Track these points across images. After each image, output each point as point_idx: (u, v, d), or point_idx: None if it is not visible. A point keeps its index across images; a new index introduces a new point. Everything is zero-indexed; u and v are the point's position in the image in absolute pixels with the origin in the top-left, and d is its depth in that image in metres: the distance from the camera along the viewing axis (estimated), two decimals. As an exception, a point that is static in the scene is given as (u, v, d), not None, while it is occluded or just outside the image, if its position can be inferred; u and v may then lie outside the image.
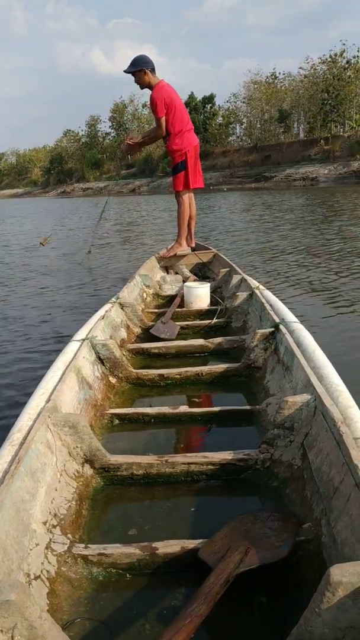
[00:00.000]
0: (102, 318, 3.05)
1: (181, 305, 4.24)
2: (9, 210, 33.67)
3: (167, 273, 5.53)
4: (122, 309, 3.55)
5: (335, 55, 47.28)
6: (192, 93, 56.93)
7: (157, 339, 3.41)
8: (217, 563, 1.33)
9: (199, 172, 5.38)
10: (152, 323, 3.70)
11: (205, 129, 53.57)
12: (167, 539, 1.49)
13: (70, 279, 7.32)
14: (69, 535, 1.55)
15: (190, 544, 1.45)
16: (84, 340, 2.64)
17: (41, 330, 4.74)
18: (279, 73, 58.20)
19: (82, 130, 78.49)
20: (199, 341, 3.18)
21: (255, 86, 55.89)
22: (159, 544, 1.46)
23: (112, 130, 71.54)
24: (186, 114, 5.24)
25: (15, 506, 1.37)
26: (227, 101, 60.99)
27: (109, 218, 18.41)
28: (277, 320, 2.73)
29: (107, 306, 3.33)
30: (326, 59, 48.12)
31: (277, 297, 3.28)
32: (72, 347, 2.53)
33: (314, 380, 1.88)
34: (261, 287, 3.54)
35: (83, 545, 1.50)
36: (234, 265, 4.58)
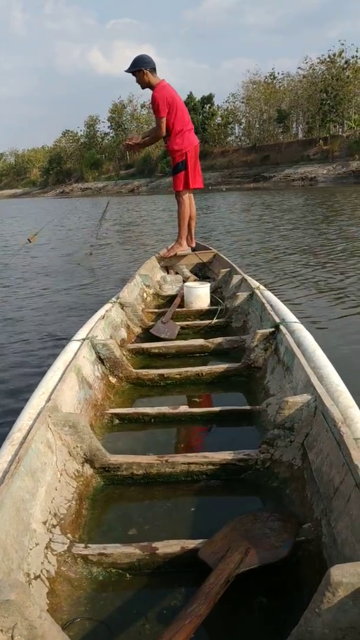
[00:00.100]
0: (103, 318, 3.05)
1: (181, 305, 4.24)
2: (8, 211, 33.66)
3: (168, 273, 5.53)
4: (122, 308, 3.55)
5: (334, 55, 47.42)
6: (190, 93, 57.01)
7: (157, 338, 3.41)
8: (217, 563, 1.33)
9: (198, 172, 5.38)
10: (152, 323, 3.69)
11: (204, 129, 53.60)
12: (167, 539, 1.48)
13: (70, 279, 7.33)
14: (69, 535, 1.55)
15: (190, 544, 1.45)
16: (84, 340, 2.63)
17: (41, 330, 4.75)
18: (278, 73, 58.49)
19: (81, 131, 78.72)
20: (199, 341, 3.18)
21: (254, 86, 56.00)
22: (159, 544, 1.46)
23: (111, 131, 71.65)
24: (187, 114, 5.23)
25: (15, 506, 1.37)
26: (226, 101, 61.22)
27: (109, 218, 18.37)
28: (278, 320, 2.73)
29: (107, 306, 3.33)
30: (325, 59, 48.30)
31: (277, 297, 3.28)
32: (72, 347, 2.53)
33: (314, 380, 1.88)
34: (261, 287, 3.54)
35: (83, 545, 1.50)
36: (234, 265, 4.58)
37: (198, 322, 3.84)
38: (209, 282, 4.71)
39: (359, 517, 1.24)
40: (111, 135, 72.02)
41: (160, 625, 1.27)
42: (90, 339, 2.67)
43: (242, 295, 3.60)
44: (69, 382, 2.14)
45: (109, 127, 72.21)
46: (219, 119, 59.24)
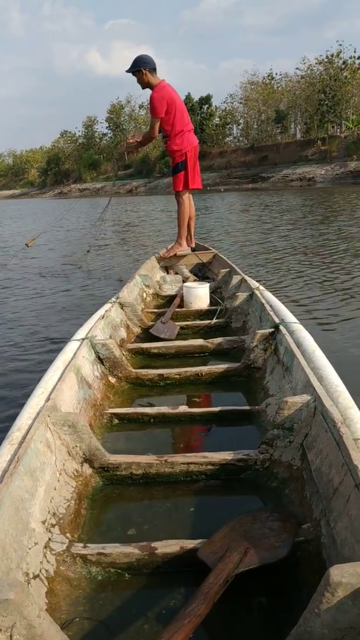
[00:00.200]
0: (102, 318, 3.05)
1: (181, 305, 4.24)
2: (6, 212, 33.63)
3: (167, 273, 5.53)
4: (121, 308, 3.55)
5: (332, 55, 47.51)
6: (189, 94, 57.06)
7: (157, 339, 3.41)
8: (216, 563, 1.33)
9: (197, 172, 5.38)
10: (152, 323, 3.69)
11: (202, 130, 53.65)
12: (166, 539, 1.48)
13: (69, 280, 7.33)
14: (68, 535, 1.54)
15: (190, 544, 1.45)
16: (83, 339, 2.63)
17: (40, 330, 4.75)
18: (276, 74, 58.53)
19: (79, 131, 78.80)
20: (199, 341, 3.18)
21: (252, 87, 56.12)
22: (158, 543, 1.46)
23: (109, 131, 71.64)
24: (186, 115, 5.23)
25: (15, 505, 1.37)
26: (224, 102, 61.30)
27: (107, 219, 18.35)
28: (277, 320, 2.73)
29: (106, 306, 3.33)
30: (323, 59, 48.35)
31: (277, 297, 3.28)
32: (71, 347, 2.53)
33: (313, 380, 1.88)
34: (261, 287, 3.54)
35: (82, 544, 1.50)
36: (233, 265, 4.58)
37: (198, 322, 3.84)
38: (208, 282, 4.71)
39: (358, 518, 1.24)
40: (109, 135, 72.05)
41: (159, 625, 1.26)
42: (90, 339, 2.67)
43: (242, 296, 3.60)
44: (69, 382, 2.14)
45: (107, 127, 72.38)
46: (217, 119, 59.33)
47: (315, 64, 49.32)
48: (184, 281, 5.02)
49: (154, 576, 1.44)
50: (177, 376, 2.75)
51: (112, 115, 69.92)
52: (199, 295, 4.17)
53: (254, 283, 3.71)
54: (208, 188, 38.34)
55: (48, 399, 1.92)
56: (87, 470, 1.87)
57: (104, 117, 75.81)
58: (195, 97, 58.22)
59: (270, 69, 76.02)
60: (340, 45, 57.59)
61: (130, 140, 5.54)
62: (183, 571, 1.44)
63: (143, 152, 49.97)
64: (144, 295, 4.52)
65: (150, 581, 1.42)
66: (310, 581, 1.26)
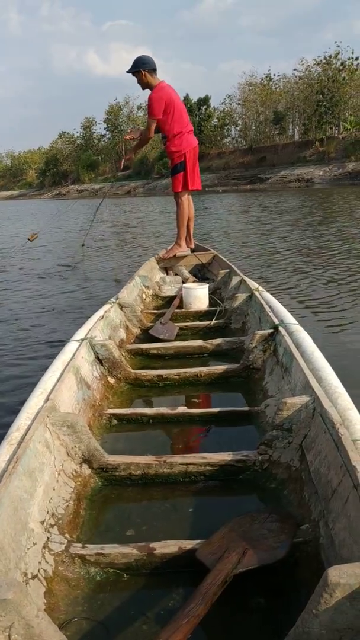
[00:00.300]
0: (101, 318, 3.05)
1: (180, 306, 4.24)
2: (5, 213, 33.61)
3: (167, 274, 5.54)
4: (121, 309, 3.55)
5: (330, 57, 47.49)
6: (187, 95, 56.97)
7: (156, 339, 3.41)
8: (215, 564, 1.33)
9: (197, 173, 5.38)
10: (151, 324, 3.69)
11: (201, 131, 53.62)
12: (165, 540, 1.49)
13: (68, 280, 7.33)
14: (67, 535, 1.55)
15: (188, 544, 1.45)
16: (82, 340, 2.63)
17: (39, 331, 4.74)
18: (274, 75, 58.59)
19: (77, 132, 78.73)
20: (198, 342, 3.19)
21: (250, 88, 56.13)
22: (156, 544, 1.46)
23: (107, 132, 71.56)
24: (186, 116, 5.24)
25: (13, 505, 1.37)
26: (222, 103, 61.22)
27: (105, 220, 18.39)
28: (276, 321, 2.74)
29: (106, 306, 3.33)
30: (321, 60, 48.35)
31: (276, 298, 3.28)
32: (71, 347, 2.53)
33: (312, 381, 1.88)
34: (260, 288, 3.55)
35: (80, 545, 1.50)
36: (233, 266, 4.58)
37: (197, 323, 3.84)
38: (208, 283, 4.71)
39: (356, 519, 1.24)
40: (107, 137, 71.99)
41: (157, 626, 1.27)
42: (89, 340, 2.67)
43: (241, 297, 3.60)
44: (68, 383, 2.14)
45: (105, 128, 72.18)
46: (216, 120, 59.33)
47: (313, 65, 49.37)
48: (183, 282, 5.02)
49: (152, 577, 1.44)
50: (177, 377, 2.75)
51: (110, 117, 69.83)
52: (198, 296, 4.17)
53: (253, 284, 3.71)
54: (206, 189, 38.30)
55: (47, 400, 1.92)
56: (86, 470, 1.87)
57: (102, 118, 75.96)
58: (194, 98, 58.20)
59: (268, 70, 76.34)
60: (339, 46, 57.67)
61: (128, 137, 5.56)
62: (181, 572, 1.44)
63: (142, 153, 49.96)
64: (144, 296, 4.52)
65: (149, 582, 1.43)
66: (309, 582, 1.26)
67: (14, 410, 2.19)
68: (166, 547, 1.45)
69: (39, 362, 3.71)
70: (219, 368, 2.78)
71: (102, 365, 2.72)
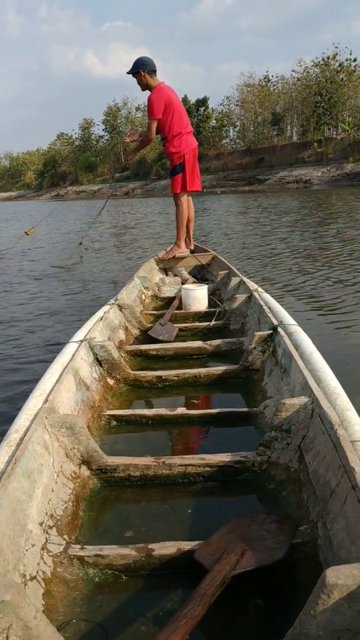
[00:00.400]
0: (101, 319, 3.05)
1: (180, 307, 4.24)
2: (3, 214, 33.60)
3: (166, 275, 5.55)
4: (120, 310, 3.55)
5: (328, 58, 47.58)
6: (185, 96, 57.11)
7: (156, 340, 3.41)
8: (213, 565, 1.33)
9: (197, 175, 5.39)
10: (151, 325, 3.69)
11: (199, 132, 53.67)
12: (164, 541, 1.49)
13: (67, 282, 7.33)
14: (65, 536, 1.54)
15: (187, 545, 1.45)
16: (82, 341, 2.63)
17: (38, 332, 4.74)
18: (272, 76, 58.43)
19: (75, 133, 78.84)
20: (197, 343, 3.19)
21: (249, 89, 56.23)
22: (155, 545, 1.46)
23: (106, 133, 71.58)
24: (185, 117, 5.24)
25: (12, 507, 1.37)
26: (221, 104, 61.52)
27: (104, 221, 18.37)
28: (276, 322, 2.74)
29: (105, 307, 3.33)
30: (319, 61, 48.43)
31: (275, 299, 3.28)
32: (70, 349, 2.53)
33: (311, 382, 1.88)
34: (260, 289, 3.55)
35: (79, 546, 1.50)
36: (232, 267, 4.58)
37: (196, 324, 3.84)
38: (207, 284, 4.71)
39: (354, 520, 1.24)
40: (106, 138, 72.01)
41: (156, 627, 1.27)
42: (88, 341, 2.67)
43: (241, 298, 3.60)
44: (67, 384, 2.14)
45: (103, 129, 72.22)
46: (214, 121, 59.44)
47: (312, 66, 49.48)
48: (182, 283, 5.02)
49: (151, 578, 1.44)
50: (176, 378, 2.75)
51: (108, 118, 69.84)
52: (198, 297, 4.17)
53: (252, 285, 3.72)
54: (204, 190, 38.30)
55: (46, 401, 1.92)
56: (85, 472, 1.87)
57: (100, 119, 75.94)
58: (192, 100, 58.33)
59: (267, 71, 76.52)
60: (337, 47, 57.71)
61: (127, 140, 5.57)
62: (180, 573, 1.44)
63: (140, 155, 49.95)
64: (143, 297, 4.52)
65: (147, 583, 1.43)
66: (307, 583, 1.26)
67: (13, 412, 2.19)
68: (165, 548, 1.45)
69: (38, 364, 3.71)
70: (218, 369, 2.78)
71: (101, 366, 2.71)
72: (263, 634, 1.26)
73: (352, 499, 1.28)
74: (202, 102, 58.95)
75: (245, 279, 3.95)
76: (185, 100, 56.47)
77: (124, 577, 1.44)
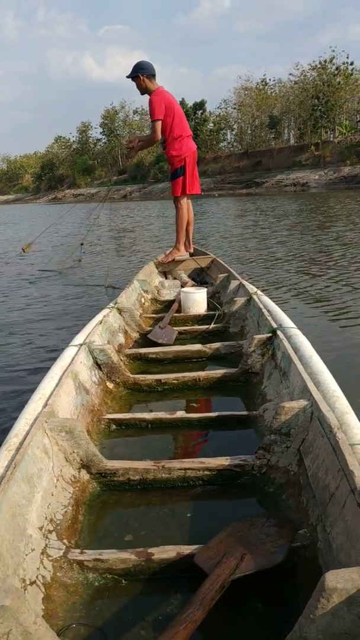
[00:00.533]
0: (100, 323, 3.05)
1: (179, 310, 4.25)
2: (1, 217, 33.57)
3: (166, 278, 5.56)
4: (120, 314, 3.55)
5: (325, 61, 47.72)
6: (183, 99, 57.14)
7: (155, 344, 3.41)
8: (213, 569, 1.33)
9: (196, 178, 5.42)
10: (150, 328, 3.70)
11: (197, 135, 53.64)
12: (163, 545, 1.49)
13: (65, 285, 7.32)
14: (65, 541, 1.54)
15: (186, 549, 1.45)
16: (81, 345, 2.63)
17: (38, 336, 4.75)
18: (270, 79, 58.81)
19: (73, 137, 78.94)
20: (197, 346, 3.19)
21: (246, 92, 56.36)
22: (154, 549, 1.46)
23: (104, 137, 71.64)
24: (185, 121, 5.28)
25: (11, 511, 1.37)
26: (218, 107, 61.77)
27: (102, 224, 18.38)
28: (275, 325, 2.74)
29: (105, 311, 3.33)
30: (316, 65, 48.60)
31: (274, 302, 3.28)
32: (69, 352, 2.53)
33: (310, 386, 1.88)
34: (259, 292, 3.55)
35: (79, 550, 1.50)
36: (232, 270, 4.59)
37: (196, 327, 3.84)
38: (206, 287, 4.72)
39: (354, 523, 1.25)
40: (103, 141, 72.07)
41: (155, 631, 1.27)
42: (88, 344, 2.67)
43: (240, 301, 3.61)
44: (66, 388, 2.14)
45: (101, 133, 72.24)
46: (211, 125, 59.56)
47: (309, 69, 49.65)
48: (182, 286, 5.02)
49: (150, 582, 1.44)
50: (175, 381, 2.75)
51: (106, 121, 69.92)
52: (197, 300, 4.18)
53: (252, 288, 3.72)
54: (202, 193, 38.34)
55: (45, 405, 1.92)
56: (85, 476, 1.87)
57: (98, 122, 76.02)
58: (190, 103, 58.41)
59: (264, 75, 76.53)
60: (334, 51, 57.63)
61: (127, 146, 5.60)
62: (180, 577, 1.44)
63: (137, 158, 50.00)
64: (142, 300, 4.52)
65: (147, 587, 1.42)
66: (307, 587, 1.26)
67: (13, 416, 2.19)
68: (164, 553, 1.45)
69: (38, 367, 3.71)
70: (218, 372, 2.78)
71: (100, 370, 2.71)
72: (263, 637, 1.26)
73: (352, 502, 1.28)
74: (200, 105, 59.06)
75: (244, 282, 3.96)
76: (183, 103, 56.51)
77: (123, 581, 1.43)
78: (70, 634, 1.27)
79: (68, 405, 2.10)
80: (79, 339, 2.73)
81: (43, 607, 1.30)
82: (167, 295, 4.97)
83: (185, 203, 5.40)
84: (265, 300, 3.29)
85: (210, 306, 4.24)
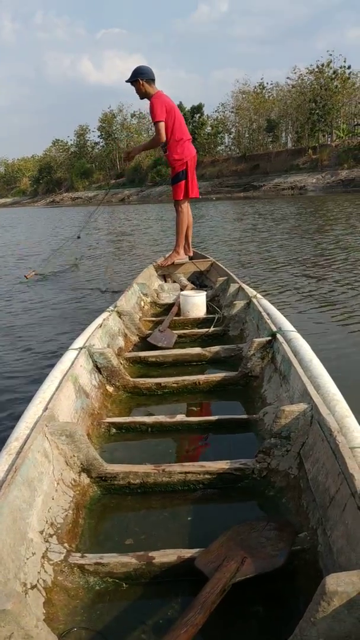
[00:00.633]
0: (100, 326, 3.06)
1: (179, 313, 4.25)
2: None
3: (165, 281, 5.56)
4: (119, 317, 3.55)
5: (322, 65, 47.75)
6: (180, 103, 57.11)
7: (155, 347, 3.41)
8: (214, 572, 1.33)
9: (195, 182, 5.46)
10: (150, 331, 3.70)
11: (194, 139, 53.01)
12: (164, 549, 1.49)
13: (64, 289, 7.32)
14: (66, 545, 1.54)
15: (187, 553, 1.46)
16: (81, 348, 2.64)
17: (37, 339, 4.74)
18: (267, 83, 58.48)
19: (70, 140, 78.78)
20: (196, 350, 3.19)
21: (244, 96, 56.38)
22: (155, 553, 1.46)
23: (101, 140, 71.62)
24: (185, 125, 5.32)
25: (12, 515, 1.37)
26: (216, 111, 61.53)
27: (101, 227, 18.38)
28: (274, 329, 2.74)
29: (104, 314, 3.33)
30: (313, 69, 48.61)
31: (274, 306, 3.29)
32: (69, 356, 2.53)
33: (310, 389, 1.89)
34: (258, 295, 3.56)
35: (79, 554, 1.50)
36: (231, 273, 4.59)
37: (195, 330, 3.84)
38: (206, 290, 4.72)
39: (354, 526, 1.25)
40: (101, 144, 72.04)
41: (156, 635, 1.27)
42: (88, 348, 2.67)
43: (239, 304, 3.61)
44: (66, 391, 2.14)
45: (99, 136, 72.11)
46: (209, 128, 59.55)
47: (306, 73, 49.62)
48: (181, 289, 5.03)
49: (151, 586, 1.44)
50: (175, 385, 2.75)
51: (104, 124, 69.84)
52: (196, 303, 4.18)
53: (251, 291, 3.72)
54: (200, 197, 38.36)
55: (46, 409, 1.92)
56: (85, 479, 1.87)
57: (96, 125, 75.94)
58: (187, 106, 58.41)
59: (262, 79, 75.89)
60: (331, 55, 58.00)
61: (125, 157, 5.67)
62: (180, 580, 1.44)
63: (135, 161, 50.03)
64: (142, 303, 4.53)
65: (148, 591, 1.43)
66: (307, 590, 1.26)
67: (13, 420, 2.19)
68: (165, 556, 1.45)
69: (39, 370, 3.71)
70: (218, 376, 2.78)
71: (100, 373, 2.71)
72: (264, 641, 1.26)
73: (352, 505, 1.28)
74: (197, 108, 59.06)
75: (244, 286, 3.96)
76: (180, 106, 56.52)
77: (124, 585, 1.44)
78: (72, 638, 1.27)
79: (68, 409, 2.10)
80: (79, 342, 2.73)
81: (44, 611, 1.30)
82: (167, 298, 4.97)
83: (186, 207, 5.44)
84: (264, 304, 3.30)
85: (209, 309, 4.24)
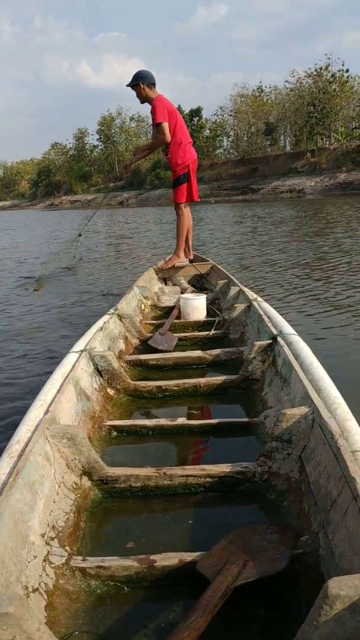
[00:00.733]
0: (101, 329, 3.06)
1: (179, 316, 4.25)
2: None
3: (165, 284, 5.57)
4: (120, 320, 3.55)
5: (321, 69, 47.94)
6: (179, 106, 57.21)
7: (155, 350, 3.41)
8: (215, 576, 1.33)
9: (195, 185, 5.48)
10: (150, 334, 3.70)
11: (193, 142, 53.54)
12: (165, 552, 1.49)
13: (65, 292, 7.32)
14: (67, 548, 1.54)
15: (188, 556, 1.45)
16: (82, 351, 2.64)
17: (38, 343, 4.75)
18: (265, 86, 58.67)
19: (69, 143, 78.99)
20: (197, 353, 3.19)
21: (242, 99, 56.53)
22: (157, 556, 1.46)
23: (100, 143, 71.72)
24: (185, 129, 5.36)
25: (14, 518, 1.37)
26: (214, 114, 61.70)
27: (100, 230, 18.39)
28: (275, 332, 2.74)
29: (105, 317, 3.33)
30: (312, 72, 48.79)
31: (275, 309, 3.29)
32: (70, 359, 2.53)
33: (311, 392, 1.89)
34: (259, 298, 3.56)
35: (81, 557, 1.50)
36: (231, 276, 4.60)
37: (196, 333, 3.84)
38: (206, 293, 4.73)
39: (356, 530, 1.25)
40: (100, 147, 72.14)
41: (158, 639, 1.27)
42: (88, 351, 2.67)
43: (240, 307, 3.61)
44: (67, 394, 2.14)
45: (97, 139, 72.30)
46: (208, 131, 59.72)
47: (305, 77, 49.83)
48: (182, 292, 5.04)
49: (153, 589, 1.43)
50: (176, 388, 2.75)
51: (102, 128, 69.97)
52: (197, 306, 4.18)
53: (252, 294, 3.73)
54: (199, 200, 38.37)
55: (47, 412, 1.92)
56: (86, 483, 1.87)
57: (94, 129, 76.07)
58: (186, 110, 58.51)
59: (260, 82, 76.23)
60: (329, 58, 58.31)
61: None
62: (182, 584, 1.43)
63: (134, 165, 50.08)
64: (142, 306, 4.53)
65: (149, 594, 1.42)
66: (309, 594, 1.26)
67: (14, 423, 2.19)
68: (166, 560, 1.45)
69: (40, 374, 3.71)
70: (218, 379, 2.78)
71: (101, 376, 2.71)
72: (266, 645, 1.26)
73: (354, 509, 1.28)
74: (196, 112, 59.19)
75: (244, 288, 3.96)
76: (179, 110, 56.13)
77: (126, 588, 1.43)
78: None
79: (69, 412, 2.10)
80: (80, 345, 2.73)
81: (46, 615, 1.30)
82: (167, 301, 4.98)
83: (187, 210, 5.46)
84: (265, 307, 3.30)
85: (210, 312, 4.25)
